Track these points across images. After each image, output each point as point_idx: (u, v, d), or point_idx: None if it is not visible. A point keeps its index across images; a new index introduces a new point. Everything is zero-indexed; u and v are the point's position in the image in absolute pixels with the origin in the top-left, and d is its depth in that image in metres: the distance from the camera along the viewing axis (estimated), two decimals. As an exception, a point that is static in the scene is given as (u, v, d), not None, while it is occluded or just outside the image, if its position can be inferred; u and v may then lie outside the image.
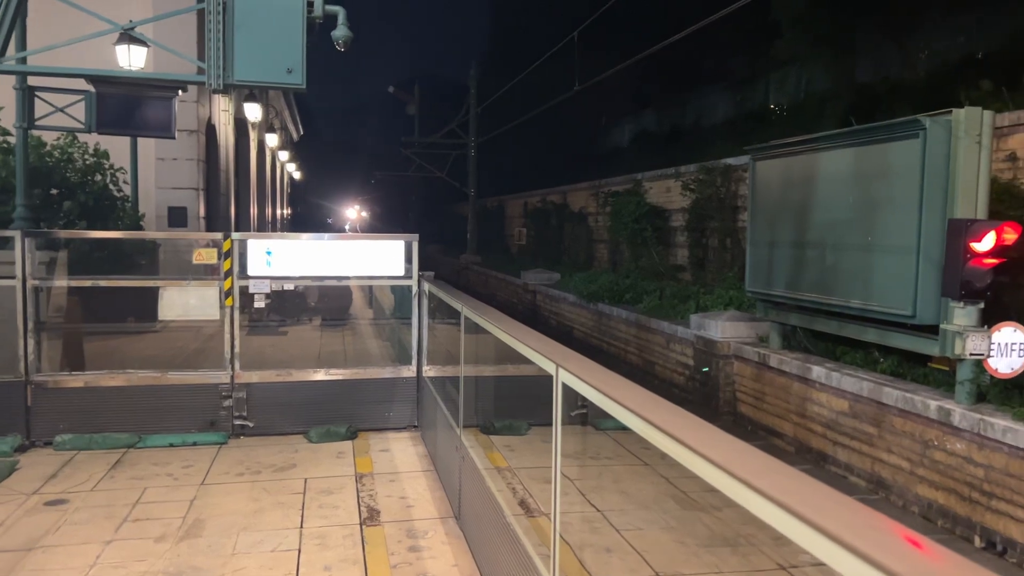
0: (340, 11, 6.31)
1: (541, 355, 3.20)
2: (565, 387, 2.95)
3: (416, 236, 8.12)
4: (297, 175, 45.99)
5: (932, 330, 7.30)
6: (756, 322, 10.79)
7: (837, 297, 8.57)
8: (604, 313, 15.99)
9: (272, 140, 27.56)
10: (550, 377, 3.07)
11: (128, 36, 9.34)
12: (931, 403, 7.15)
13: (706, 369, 10.94)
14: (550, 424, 3.08)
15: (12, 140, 10.58)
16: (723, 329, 10.89)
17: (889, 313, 7.79)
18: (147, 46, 10.04)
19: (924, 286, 7.32)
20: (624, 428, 6.57)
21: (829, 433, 8.67)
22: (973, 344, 6.86)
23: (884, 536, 1.36)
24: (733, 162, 14.56)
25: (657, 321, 13.30)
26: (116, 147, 12.98)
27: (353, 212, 58.73)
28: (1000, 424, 6.42)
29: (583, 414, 7.65)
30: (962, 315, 7.00)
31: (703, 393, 11.36)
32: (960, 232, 6.95)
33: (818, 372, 8.78)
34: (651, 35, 13.84)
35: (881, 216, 7.99)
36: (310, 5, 6.16)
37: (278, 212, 36.47)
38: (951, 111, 7.26)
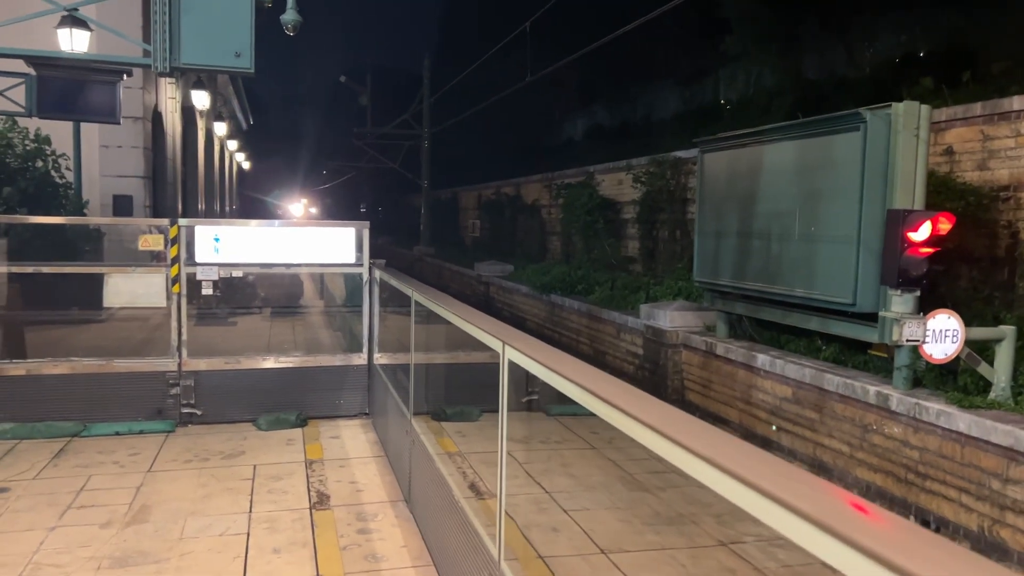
0: (290, -6, 6.29)
1: (488, 334, 3.26)
2: (512, 364, 3.00)
3: (367, 223, 8.11)
4: (246, 165, 45.25)
5: (872, 318, 7.54)
6: (704, 312, 11.00)
7: (781, 286, 8.78)
8: (557, 304, 16.12)
9: (220, 129, 27.09)
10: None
11: (71, 18, 9.11)
12: (870, 388, 7.39)
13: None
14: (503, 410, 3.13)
15: (-52, 124, 10.27)
16: (671, 319, 11.07)
17: (831, 301, 8.02)
18: (91, 29, 9.80)
19: (864, 275, 7.55)
20: (575, 414, 6.68)
21: (773, 419, 8.89)
22: (909, 331, 7.10)
23: (831, 501, 1.39)
24: (683, 155, 14.78)
25: (608, 311, 13.46)
26: (58, 133, 12.64)
27: (299, 207, 57.39)
28: (934, 408, 6.67)
29: (534, 400, 7.73)
30: (899, 303, 7.24)
31: (652, 382, 11.54)
32: (898, 222, 7.19)
33: (763, 360, 9.00)
34: (604, 29, 13.94)
35: (824, 207, 8.21)
36: (260, -12, 6.12)
37: (227, 202, 35.87)
38: (891, 105, 7.49)
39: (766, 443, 8.95)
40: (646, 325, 11.69)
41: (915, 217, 7.09)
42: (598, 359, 13.77)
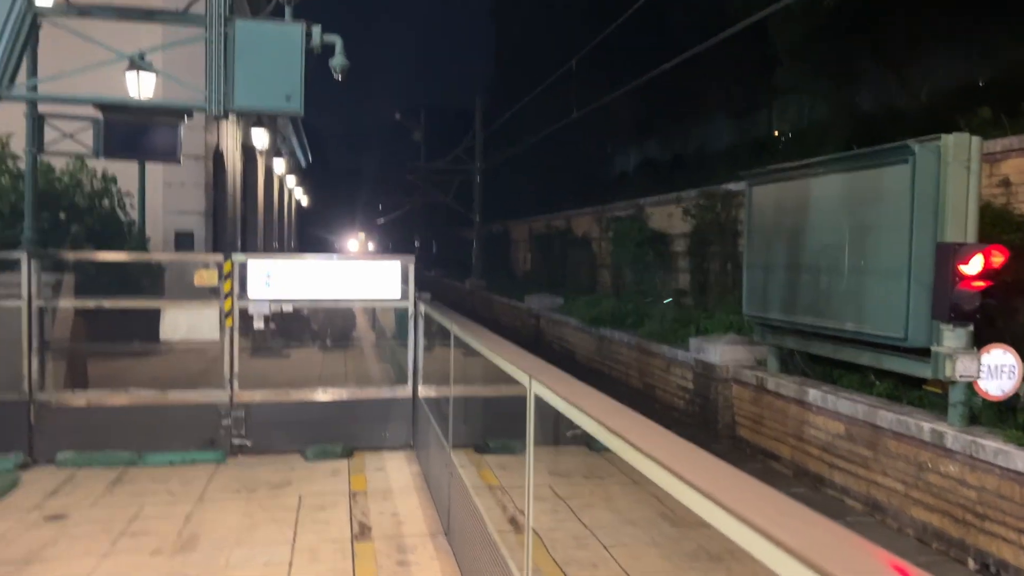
0: (337, 40, 6.51)
1: (515, 367, 3.31)
2: (538, 400, 3.04)
3: (412, 257, 8.26)
4: (304, 201, 46.36)
5: (924, 353, 7.37)
6: (754, 345, 10.85)
7: (832, 320, 8.64)
8: (606, 337, 16.07)
9: (279, 166, 27.88)
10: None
11: (137, 65, 9.56)
12: (924, 426, 7.20)
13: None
14: (547, 443, 3.16)
15: (22, 165, 10.81)
16: (722, 353, 10.96)
17: (882, 336, 7.87)
18: (155, 74, 10.28)
19: (915, 309, 7.40)
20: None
21: (826, 456, 8.70)
22: (963, 366, 6.93)
23: (868, 562, 1.31)
24: (733, 188, 14.70)
25: (657, 345, 13.37)
26: (125, 172, 13.22)
27: (356, 243, 58.40)
28: (991, 446, 6.47)
29: (578, 434, 7.71)
30: (952, 337, 7.07)
31: (702, 416, 11.40)
32: (949, 255, 7.04)
33: (814, 395, 8.84)
34: (654, 63, 14.03)
35: (873, 240, 8.09)
36: (308, 35, 6.36)
37: (285, 237, 36.77)
38: (939, 137, 7.38)
39: (819, 480, 8.76)
40: (696, 359, 11.59)
41: (967, 250, 6.94)
42: (647, 393, 13.66)
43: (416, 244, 63.25)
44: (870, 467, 8.00)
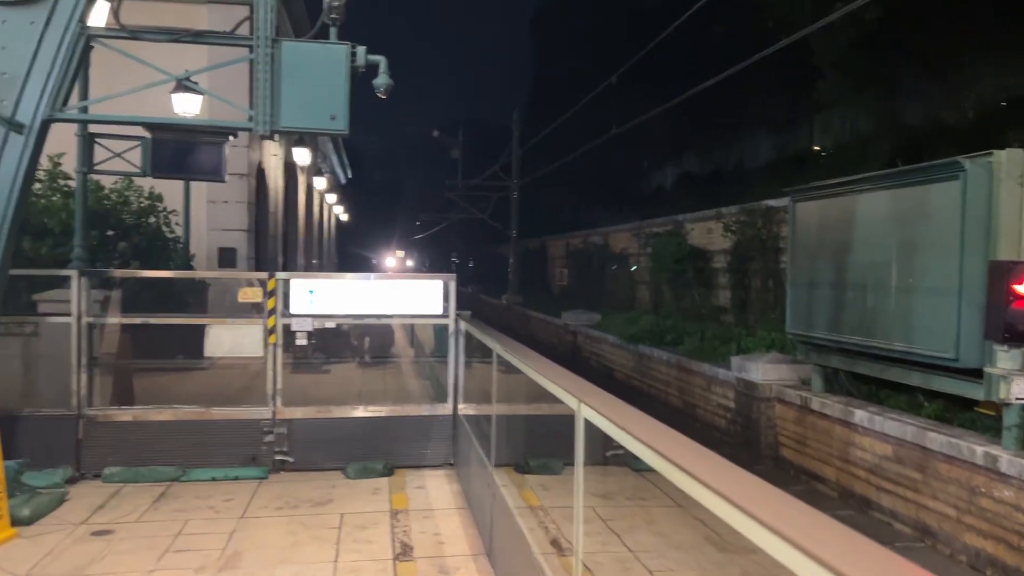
0: (382, 60, 6.57)
1: (564, 390, 3.27)
2: (588, 423, 3.01)
3: (453, 276, 8.28)
4: (344, 217, 46.86)
5: (977, 374, 7.18)
6: (798, 364, 10.68)
7: (879, 339, 8.47)
8: (645, 355, 15.93)
9: (320, 183, 28.22)
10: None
11: (183, 85, 9.74)
12: (977, 449, 7.00)
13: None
14: (585, 463, 3.13)
15: (72, 184, 11.07)
16: (764, 371, 10.79)
17: (932, 356, 7.68)
18: (201, 94, 10.46)
19: (967, 329, 7.22)
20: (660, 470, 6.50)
21: (873, 478, 8.51)
22: (1018, 388, 6.73)
23: None
24: (774, 204, 14.53)
25: (698, 363, 13.22)
26: (170, 190, 13.47)
27: (393, 260, 58.91)
28: (1048, 471, 6.26)
29: (619, 455, 7.63)
30: (1006, 359, 6.88)
31: (744, 436, 11.23)
32: (1002, 274, 6.86)
33: (861, 416, 8.65)
34: (692, 79, 13.96)
35: (921, 258, 7.92)
36: (353, 55, 6.42)
37: (325, 253, 37.17)
38: (992, 153, 7.22)
39: (866, 503, 8.56)
40: (738, 378, 11.43)
41: (1021, 268, 6.76)
42: (687, 412, 13.49)
43: (453, 260, 63.57)
44: (920, 490, 7.79)
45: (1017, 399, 6.68)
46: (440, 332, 11.11)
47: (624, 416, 2.72)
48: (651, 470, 6.88)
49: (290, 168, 22.19)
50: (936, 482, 7.54)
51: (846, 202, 9.26)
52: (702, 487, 1.92)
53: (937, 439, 7.46)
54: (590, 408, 2.93)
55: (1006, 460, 6.67)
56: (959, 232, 7.28)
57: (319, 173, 27.84)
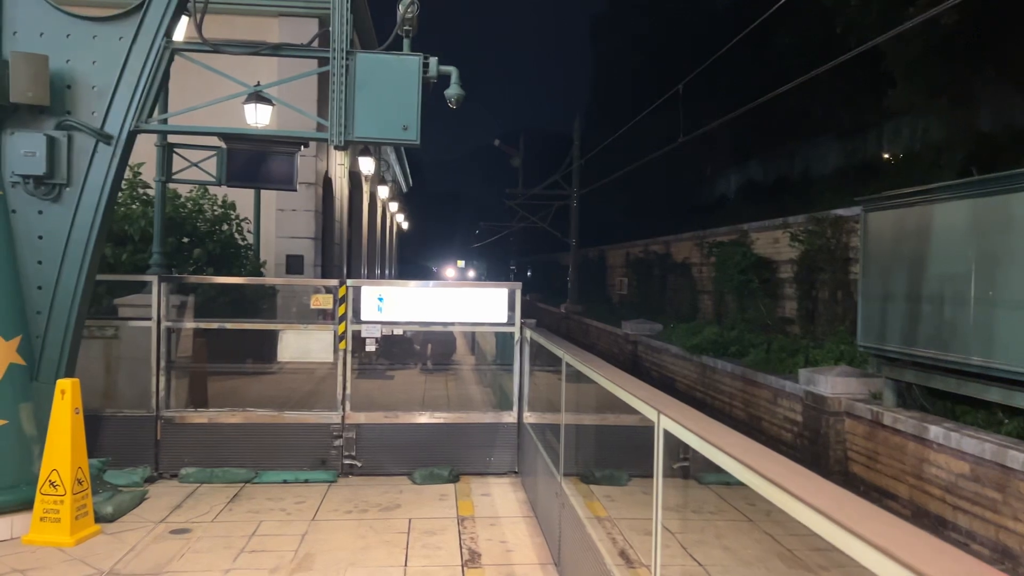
0: (453, 71, 6.65)
1: (643, 402, 3.26)
2: (667, 435, 2.99)
3: (519, 284, 8.31)
4: (406, 225, 47.44)
5: (1062, 390, 6.92)
6: (868, 378, 10.43)
7: (956, 353, 8.22)
8: (708, 366, 15.74)
9: (383, 192, 28.64)
10: (651, 427, 3.11)
11: (256, 96, 10.01)
12: (1061, 468, 6.74)
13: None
14: (650, 475, 3.11)
15: (151, 192, 11.46)
16: (834, 385, 10.56)
17: (1013, 371, 7.43)
18: (272, 105, 10.74)
19: (1051, 343, 6.96)
20: (728, 483, 6.46)
21: (948, 497, 8.24)
22: (1107, 406, 6.45)
23: None
24: (844, 213, 14.23)
25: (764, 375, 13.00)
26: (242, 199, 13.85)
27: (453, 271, 59.21)
28: None
29: (685, 467, 7.55)
30: (1094, 375, 6.60)
31: (812, 451, 10.99)
32: (1090, 287, 6.60)
33: (936, 432, 8.40)
34: (757, 85, 13.80)
35: (1003, 269, 7.68)
36: (425, 66, 6.52)
37: (387, 261, 37.67)
38: (1078, 161, 6.96)
39: (941, 522, 8.30)
40: (806, 391, 11.20)
41: (1111, 282, 6.49)
42: (752, 425, 13.27)
43: (512, 268, 63.77)
44: (999, 511, 7.52)
45: (1107, 418, 6.41)
46: (503, 340, 11.17)
47: (708, 429, 2.70)
48: (719, 483, 6.79)
49: (355, 177, 22.58)
50: (1017, 502, 7.27)
51: (921, 212, 9.02)
52: (799, 503, 1.89)
53: (1019, 457, 7.20)
54: (670, 420, 2.92)
55: (1094, 481, 6.40)
56: (1043, 243, 7.03)
57: (382, 182, 28.26)
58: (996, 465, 7.50)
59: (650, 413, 3.16)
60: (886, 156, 20.82)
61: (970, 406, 8.65)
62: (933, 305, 8.69)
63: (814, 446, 10.93)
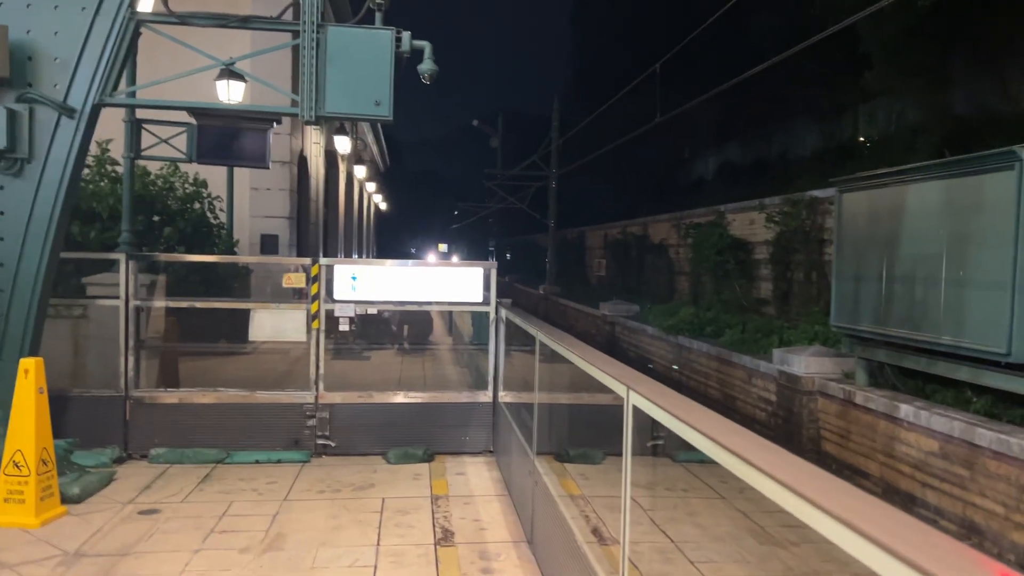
0: (427, 45, 6.55)
1: (613, 378, 3.24)
2: (636, 410, 2.97)
3: (494, 264, 8.27)
4: (383, 205, 47.12)
5: (1029, 369, 7.00)
6: (841, 358, 10.51)
7: (927, 333, 8.29)
8: (684, 346, 15.81)
9: (360, 172, 28.38)
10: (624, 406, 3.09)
11: (228, 71, 9.83)
12: (1028, 446, 6.82)
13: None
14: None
15: (120, 170, 11.26)
16: (807, 364, 10.64)
17: (982, 351, 7.51)
18: (245, 81, 10.55)
19: (1020, 323, 7.04)
20: (701, 461, 6.50)
21: (918, 474, 8.35)
22: (1074, 385, 6.54)
23: (977, 571, 1.31)
24: (819, 194, 14.29)
25: (739, 355, 13.08)
26: (214, 177, 13.65)
27: (432, 249, 59.21)
28: (1104, 470, 6.08)
29: (659, 445, 7.58)
30: (1062, 354, 6.68)
31: (785, 430, 11.08)
32: (1059, 267, 6.67)
33: (906, 411, 8.49)
34: (735, 67, 13.76)
35: (973, 250, 7.73)
36: (398, 40, 6.41)
37: (364, 241, 37.42)
38: (1049, 142, 7.01)
39: (910, 499, 8.40)
40: (780, 371, 11.27)
41: (1080, 261, 6.55)
42: (727, 404, 13.36)
43: (490, 249, 63.67)
44: (967, 487, 7.63)
45: (1073, 396, 6.50)
46: (479, 320, 11.13)
47: (677, 404, 2.68)
48: (692, 460, 6.82)
49: (331, 156, 22.34)
50: (984, 479, 7.37)
51: (895, 193, 9.06)
52: (766, 477, 1.87)
53: (986, 435, 7.29)
54: (640, 396, 2.89)
55: (1060, 458, 6.49)
56: (1014, 223, 7.08)
57: (359, 161, 28.00)
58: (964, 443, 7.60)
59: (620, 389, 3.13)
60: (862, 139, 20.92)
61: (940, 385, 8.74)
62: (905, 285, 8.75)
63: (787, 425, 11.02)
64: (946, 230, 8.15)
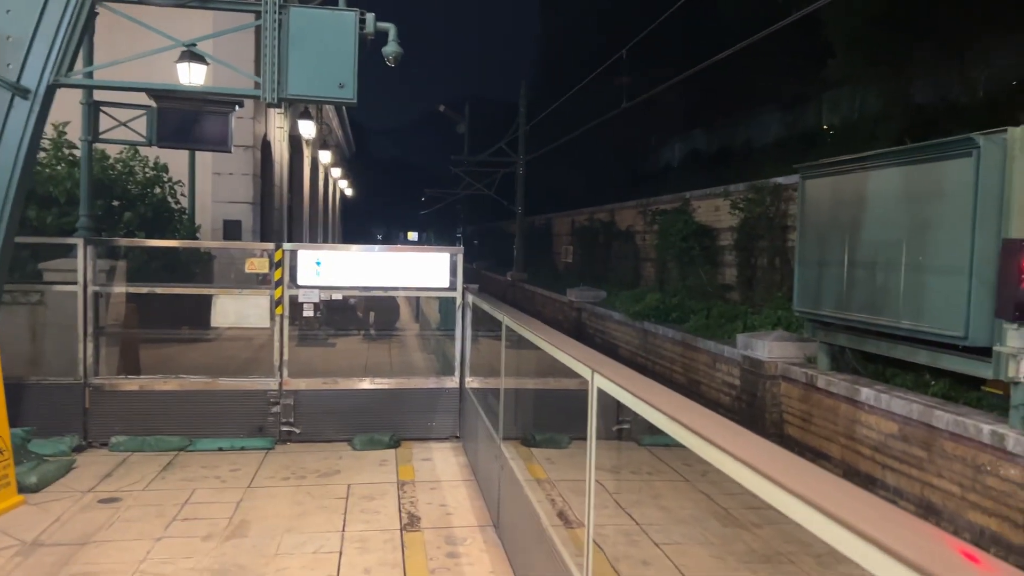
0: (391, 28, 6.47)
1: (578, 361, 3.24)
2: (601, 393, 2.98)
3: (461, 249, 8.25)
4: (349, 192, 46.73)
5: (985, 352, 7.14)
6: (804, 342, 10.64)
7: (887, 318, 8.42)
8: (650, 332, 15.91)
9: (325, 157, 28.09)
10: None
11: (189, 53, 9.66)
12: (984, 427, 6.97)
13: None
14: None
15: (77, 153, 11.00)
16: (770, 349, 10.76)
17: (940, 334, 7.64)
18: (207, 63, 10.37)
19: (977, 307, 7.17)
20: (666, 444, 6.57)
21: (878, 456, 8.50)
22: (1028, 367, 6.69)
23: (939, 549, 1.31)
24: (783, 181, 14.43)
25: (704, 340, 13.19)
26: (175, 161, 13.40)
27: (401, 235, 58.98)
28: (1056, 450, 6.24)
29: (625, 429, 7.64)
30: (1016, 337, 6.83)
31: (749, 414, 11.22)
32: (1014, 252, 6.80)
33: (867, 394, 8.63)
34: (703, 54, 13.81)
35: (932, 236, 7.86)
36: (362, 22, 6.33)
37: (330, 227, 37.09)
38: (1006, 129, 7.13)
39: (870, 480, 8.56)
40: (743, 355, 11.40)
41: (1034, 247, 6.70)
42: (692, 389, 13.49)
43: (458, 235, 63.50)
44: (924, 468, 7.79)
45: (1026, 378, 6.65)
46: (446, 306, 11.10)
47: (639, 386, 2.69)
48: (657, 444, 6.88)
49: (295, 141, 22.07)
50: (941, 460, 7.53)
51: (856, 179, 9.17)
52: (726, 455, 1.89)
53: (943, 417, 7.44)
54: (604, 378, 2.90)
55: (1013, 439, 6.65)
56: (971, 209, 7.20)
57: (324, 147, 27.71)
58: (923, 425, 7.75)
59: (584, 372, 3.14)
60: (826, 127, 21.15)
61: (900, 369, 8.90)
62: (866, 271, 8.87)
63: (751, 409, 11.16)
64: (906, 216, 8.27)
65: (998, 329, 6.98)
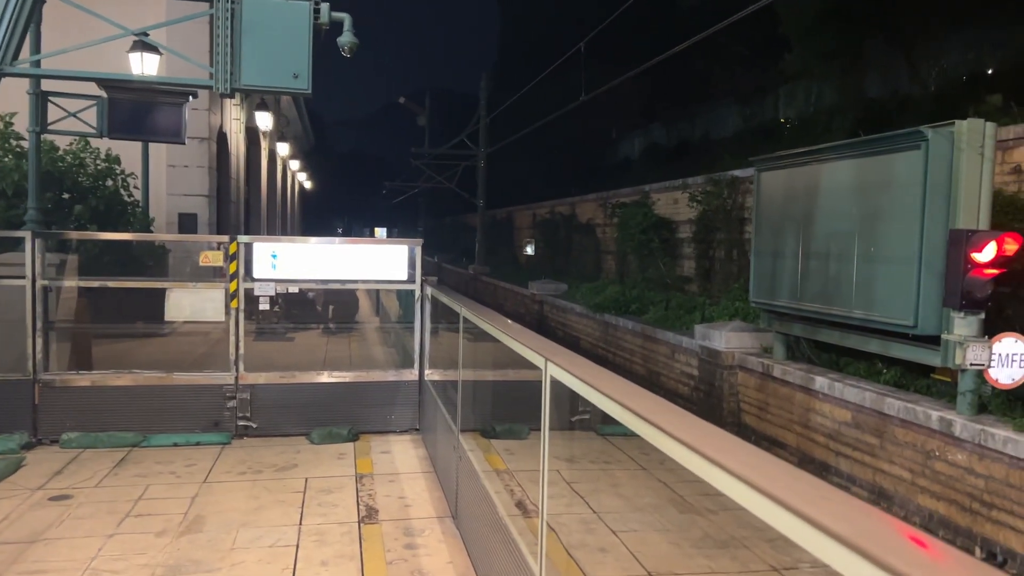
0: (346, 18, 6.41)
1: (532, 350, 3.25)
2: (554, 382, 2.99)
3: (419, 241, 8.22)
4: (309, 184, 46.24)
5: (934, 341, 7.31)
6: (760, 333, 10.79)
7: (840, 307, 8.57)
8: (610, 323, 16.02)
9: (283, 149, 27.76)
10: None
11: (141, 43, 9.47)
12: (932, 414, 7.14)
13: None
14: (551, 427, 3.11)
15: (25, 144, 10.73)
16: (727, 339, 10.90)
17: (891, 323, 7.80)
18: (159, 53, 10.18)
19: (926, 296, 7.33)
20: (624, 434, 6.61)
21: (832, 443, 8.66)
22: (974, 354, 6.86)
23: (888, 535, 1.32)
24: (740, 174, 14.60)
25: (662, 331, 13.32)
26: (128, 153, 13.13)
27: (361, 228, 58.40)
28: (1000, 435, 6.41)
29: (584, 419, 7.68)
30: (963, 325, 7.00)
31: (707, 403, 11.36)
32: (961, 242, 6.97)
33: (821, 383, 8.78)
34: (662, 46, 13.90)
35: (883, 226, 8.01)
36: (316, 12, 6.26)
37: (289, 220, 36.68)
38: (953, 123, 7.29)
39: (824, 468, 8.72)
40: (701, 346, 11.53)
41: (979, 237, 6.87)
42: (652, 380, 13.62)
43: (419, 229, 63.18)
44: (876, 455, 7.96)
45: (972, 365, 6.82)
46: (406, 298, 11.05)
47: (591, 374, 2.71)
48: (616, 434, 6.94)
49: (252, 133, 21.77)
50: (892, 446, 7.70)
51: (810, 171, 9.31)
52: (672, 440, 1.91)
53: (894, 404, 7.60)
54: (557, 367, 2.92)
55: (960, 424, 6.82)
56: (920, 201, 7.35)
57: (282, 139, 27.38)
58: (875, 412, 7.91)
59: (538, 360, 3.15)
60: (783, 120, 21.45)
61: (853, 358, 9.07)
62: (820, 261, 9.02)
63: (709, 399, 11.30)
64: (858, 208, 8.42)
65: (946, 317, 7.15)
